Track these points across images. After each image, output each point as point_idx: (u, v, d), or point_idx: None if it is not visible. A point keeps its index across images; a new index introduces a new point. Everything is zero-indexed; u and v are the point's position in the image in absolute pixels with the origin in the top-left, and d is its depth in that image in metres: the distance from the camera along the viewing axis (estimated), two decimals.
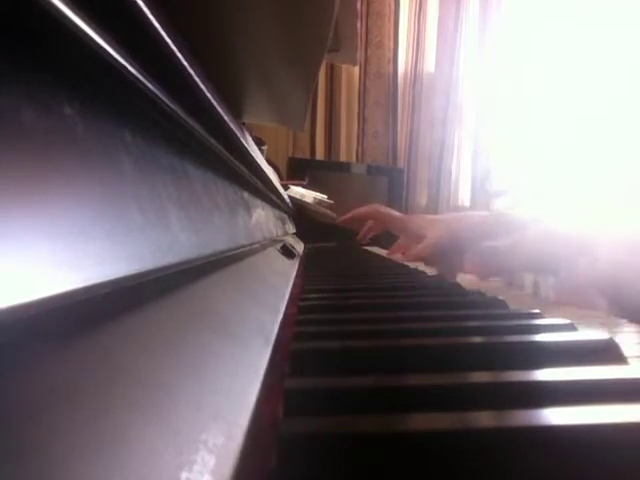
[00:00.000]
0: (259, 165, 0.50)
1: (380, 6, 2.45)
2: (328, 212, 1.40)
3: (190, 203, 0.24)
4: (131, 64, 0.16)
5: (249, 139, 0.51)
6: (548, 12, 2.33)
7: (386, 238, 1.03)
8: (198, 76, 0.25)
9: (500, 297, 0.38)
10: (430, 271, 0.63)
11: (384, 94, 2.49)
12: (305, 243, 1.10)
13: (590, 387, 0.18)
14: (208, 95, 0.27)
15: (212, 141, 0.30)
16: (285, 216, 0.97)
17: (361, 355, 0.23)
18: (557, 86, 2.33)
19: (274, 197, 0.74)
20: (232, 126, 0.34)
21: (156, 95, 0.19)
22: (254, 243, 0.43)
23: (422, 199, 2.47)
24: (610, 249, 0.47)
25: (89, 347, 0.12)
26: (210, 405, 0.14)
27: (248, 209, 0.45)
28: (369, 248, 1.16)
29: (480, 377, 0.19)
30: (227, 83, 0.41)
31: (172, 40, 0.20)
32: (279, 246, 0.64)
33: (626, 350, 0.23)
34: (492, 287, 0.51)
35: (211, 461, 0.11)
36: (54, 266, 0.11)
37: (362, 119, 2.50)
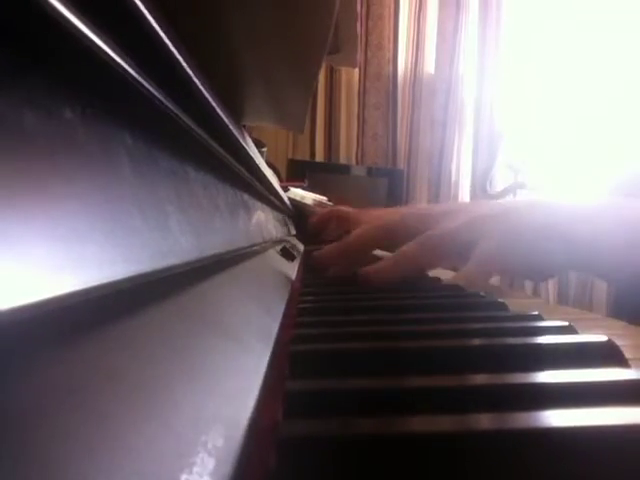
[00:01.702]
0: (259, 167, 0.50)
1: (380, 8, 2.45)
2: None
3: (190, 205, 0.24)
4: (132, 67, 0.16)
5: (249, 141, 0.51)
6: (548, 12, 2.33)
7: None
8: (198, 78, 0.25)
9: (500, 299, 0.38)
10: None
11: (384, 95, 2.50)
12: (305, 245, 1.10)
13: (591, 389, 0.18)
14: (208, 97, 0.27)
15: (212, 144, 0.30)
16: (285, 218, 0.97)
17: (361, 357, 0.23)
18: (558, 86, 2.33)
19: (274, 199, 0.74)
20: (232, 129, 0.34)
21: (157, 98, 0.19)
22: (254, 245, 0.43)
23: (422, 200, 2.47)
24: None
25: (88, 349, 0.12)
26: (210, 407, 0.14)
27: (248, 211, 0.45)
28: None
29: (480, 379, 0.19)
30: (227, 86, 0.41)
31: (173, 43, 0.20)
32: (279, 248, 0.64)
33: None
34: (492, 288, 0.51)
35: (210, 463, 0.11)
36: (53, 268, 0.11)
37: (362, 120, 2.50)
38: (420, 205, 0.61)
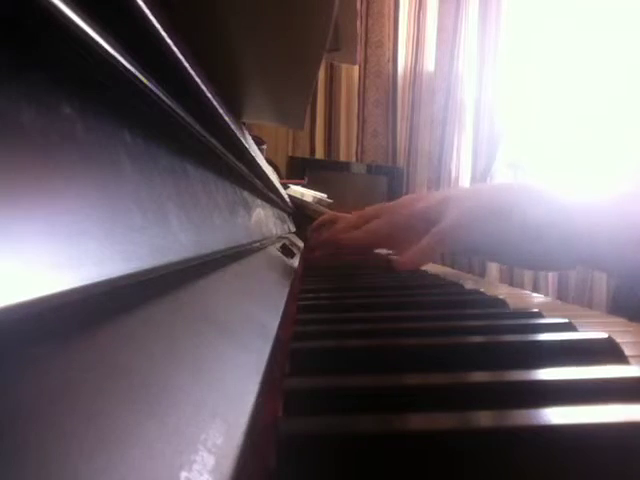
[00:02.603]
0: (259, 164, 0.50)
1: (380, 6, 2.44)
2: (328, 211, 1.40)
3: (190, 202, 0.24)
4: (132, 64, 0.16)
5: (249, 138, 0.51)
6: (548, 11, 2.33)
7: None
8: (198, 76, 0.25)
9: (500, 296, 0.38)
10: (429, 269, 0.62)
11: (384, 93, 2.49)
12: (305, 242, 1.10)
13: (590, 386, 0.18)
14: (208, 95, 0.27)
15: (212, 140, 0.30)
16: (285, 215, 0.97)
17: (361, 355, 0.23)
18: (558, 83, 2.33)
19: (274, 196, 0.74)
20: (232, 126, 0.34)
21: (157, 95, 0.19)
22: (254, 242, 0.43)
23: None
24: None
25: (88, 346, 0.12)
26: (210, 405, 0.14)
27: (248, 208, 0.45)
28: None
29: (480, 377, 0.19)
30: (227, 83, 0.41)
31: (173, 41, 0.20)
32: (279, 245, 0.64)
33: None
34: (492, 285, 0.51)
35: (210, 461, 0.11)
36: (53, 265, 0.11)
37: (362, 118, 2.50)
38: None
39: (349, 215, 0.76)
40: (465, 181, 2.46)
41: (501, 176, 2.42)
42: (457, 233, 0.49)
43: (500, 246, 0.50)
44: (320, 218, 0.89)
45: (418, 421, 0.15)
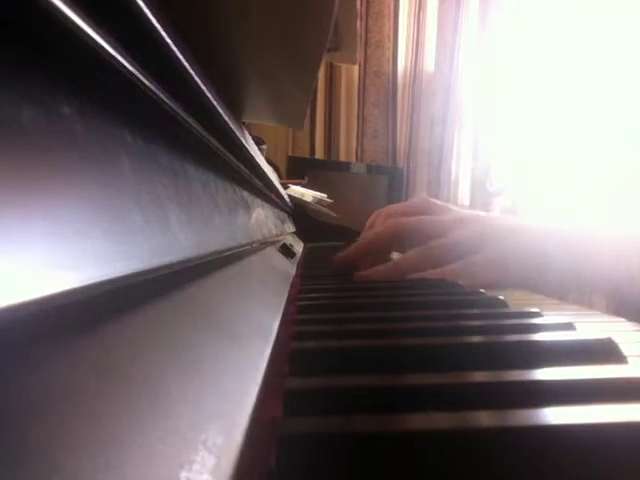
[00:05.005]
0: (259, 164, 0.50)
1: (380, 6, 2.44)
2: (328, 211, 1.40)
3: (189, 202, 0.24)
4: (131, 64, 0.16)
5: (249, 138, 0.51)
6: (548, 11, 2.33)
7: None
8: (198, 76, 0.25)
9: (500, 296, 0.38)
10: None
11: (384, 93, 2.49)
12: (305, 242, 1.10)
13: (590, 386, 0.18)
14: (208, 95, 0.27)
15: (212, 140, 0.30)
16: (285, 215, 0.97)
17: (361, 354, 0.23)
18: (557, 85, 2.33)
19: (274, 196, 0.74)
20: (232, 125, 0.34)
21: (156, 95, 0.19)
22: (254, 242, 0.43)
23: None
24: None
25: (87, 347, 0.12)
26: (209, 405, 0.14)
27: (247, 208, 0.45)
28: None
29: (480, 377, 0.19)
30: (227, 83, 0.41)
31: (172, 40, 0.20)
32: (279, 245, 0.64)
33: None
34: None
35: (210, 461, 0.11)
36: (53, 266, 0.11)
37: (362, 118, 2.49)
38: (440, 204, 0.66)
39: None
40: (465, 181, 2.46)
41: (501, 175, 2.42)
42: (504, 267, 0.53)
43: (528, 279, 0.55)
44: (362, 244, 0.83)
45: (418, 421, 0.15)
